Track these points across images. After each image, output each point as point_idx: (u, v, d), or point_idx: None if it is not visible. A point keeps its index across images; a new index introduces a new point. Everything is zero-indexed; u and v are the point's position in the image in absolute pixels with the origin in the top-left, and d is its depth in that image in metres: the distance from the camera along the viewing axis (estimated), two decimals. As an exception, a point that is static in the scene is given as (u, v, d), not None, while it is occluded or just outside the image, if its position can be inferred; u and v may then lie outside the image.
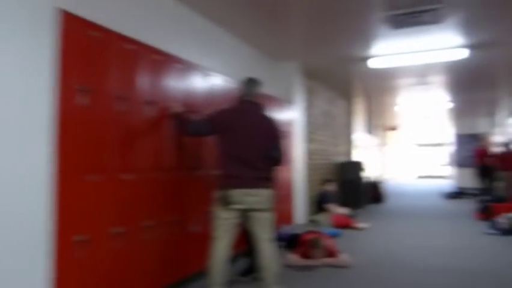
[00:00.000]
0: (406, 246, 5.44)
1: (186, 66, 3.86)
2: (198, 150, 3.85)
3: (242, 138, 3.04)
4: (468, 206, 9.52)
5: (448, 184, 16.82)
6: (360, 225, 6.85)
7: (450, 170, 17.53)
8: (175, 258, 3.55)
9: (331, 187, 8.05)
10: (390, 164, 20.98)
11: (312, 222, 6.51)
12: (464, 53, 6.04)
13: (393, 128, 20.15)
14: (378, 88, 9.60)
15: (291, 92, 6.75)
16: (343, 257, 4.45)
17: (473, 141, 13.35)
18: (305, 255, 4.50)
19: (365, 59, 6.55)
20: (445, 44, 5.85)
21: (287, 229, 5.77)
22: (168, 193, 3.48)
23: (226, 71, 4.80)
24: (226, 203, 2.99)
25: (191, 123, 3.28)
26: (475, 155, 11.19)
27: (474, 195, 11.24)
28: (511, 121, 9.39)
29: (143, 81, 3.25)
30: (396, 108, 12.24)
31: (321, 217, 6.69)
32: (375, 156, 16.33)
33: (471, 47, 5.92)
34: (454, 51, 6.02)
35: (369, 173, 11.99)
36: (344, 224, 6.81)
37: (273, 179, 3.18)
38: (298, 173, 6.80)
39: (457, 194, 12.00)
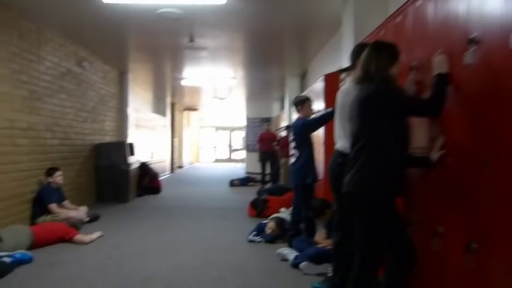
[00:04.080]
0: (126, 276, 3.47)
1: None
2: None
3: None
4: (250, 195, 8.38)
5: (239, 169, 16.30)
6: (85, 236, 4.63)
7: (243, 155, 17.10)
8: None
9: (57, 179, 5.56)
10: (187, 146, 19.56)
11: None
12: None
13: (192, 109, 18.71)
14: (146, 49, 7.46)
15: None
16: None
17: (263, 125, 12.72)
18: None
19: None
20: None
21: None
22: None
23: None
24: None
25: None
26: (259, 139, 10.34)
27: (261, 182, 10.40)
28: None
29: None
30: (183, 83, 10.43)
31: (9, 231, 4.18)
32: (165, 138, 14.44)
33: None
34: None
35: (145, 157, 9.93)
36: (56, 237, 4.47)
37: None
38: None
39: (242, 181, 10.98)
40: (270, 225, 4.68)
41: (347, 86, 2.71)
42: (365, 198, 2.10)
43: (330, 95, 4.38)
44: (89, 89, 7.42)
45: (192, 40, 6.22)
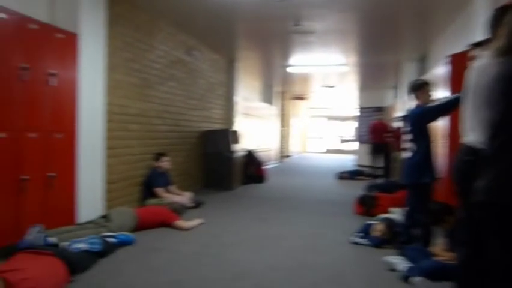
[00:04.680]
0: (218, 270, 3.32)
1: None
2: None
3: None
4: (358, 190, 7.79)
5: (350, 161, 15.59)
6: (185, 223, 4.65)
7: (355, 146, 16.30)
8: None
9: (164, 164, 5.75)
10: (295, 136, 19.37)
11: (104, 219, 4.20)
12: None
13: (301, 97, 18.41)
14: (253, 35, 7.31)
15: (76, 16, 4.17)
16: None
17: (375, 115, 11.87)
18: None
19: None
20: None
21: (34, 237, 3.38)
22: None
23: None
24: None
25: None
26: (370, 130, 9.59)
27: (371, 176, 9.69)
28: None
29: None
30: (289, 70, 10.17)
31: (116, 212, 4.36)
32: (273, 127, 14.41)
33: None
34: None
35: (252, 146, 9.93)
36: (158, 221, 4.56)
37: None
38: (89, 143, 4.35)
39: (352, 174, 10.36)
40: (378, 228, 4.15)
41: (483, 62, 2.09)
42: (507, 212, 1.54)
43: (456, 80, 3.66)
44: (199, 77, 7.58)
45: (297, 23, 5.87)
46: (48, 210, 3.80)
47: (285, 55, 8.91)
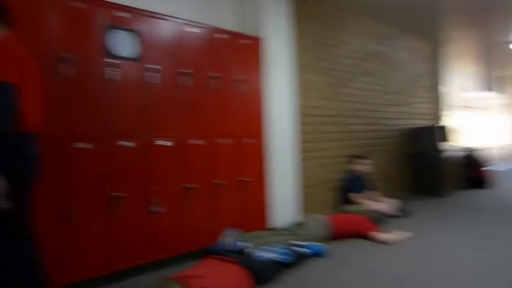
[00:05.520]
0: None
1: None
2: None
3: None
4: None
5: None
6: (385, 235, 4.03)
7: None
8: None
9: (362, 167, 5.22)
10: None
11: (298, 226, 4.00)
12: None
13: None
14: (463, 8, 6.03)
15: (261, 21, 4.13)
16: None
17: None
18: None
19: None
20: None
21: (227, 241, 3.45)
22: None
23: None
24: None
25: None
26: None
27: None
28: None
29: None
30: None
31: (311, 219, 4.08)
32: (501, 120, 11.97)
33: None
34: None
35: (472, 143, 8.37)
36: (354, 231, 4.08)
37: None
38: (281, 147, 4.24)
39: None
40: None
41: None
42: None
43: None
44: (398, 69, 6.76)
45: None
46: (241, 215, 3.84)
47: (509, 27, 7.13)
